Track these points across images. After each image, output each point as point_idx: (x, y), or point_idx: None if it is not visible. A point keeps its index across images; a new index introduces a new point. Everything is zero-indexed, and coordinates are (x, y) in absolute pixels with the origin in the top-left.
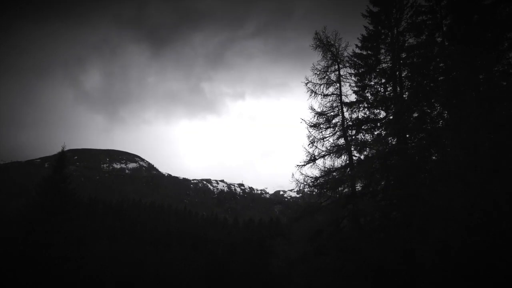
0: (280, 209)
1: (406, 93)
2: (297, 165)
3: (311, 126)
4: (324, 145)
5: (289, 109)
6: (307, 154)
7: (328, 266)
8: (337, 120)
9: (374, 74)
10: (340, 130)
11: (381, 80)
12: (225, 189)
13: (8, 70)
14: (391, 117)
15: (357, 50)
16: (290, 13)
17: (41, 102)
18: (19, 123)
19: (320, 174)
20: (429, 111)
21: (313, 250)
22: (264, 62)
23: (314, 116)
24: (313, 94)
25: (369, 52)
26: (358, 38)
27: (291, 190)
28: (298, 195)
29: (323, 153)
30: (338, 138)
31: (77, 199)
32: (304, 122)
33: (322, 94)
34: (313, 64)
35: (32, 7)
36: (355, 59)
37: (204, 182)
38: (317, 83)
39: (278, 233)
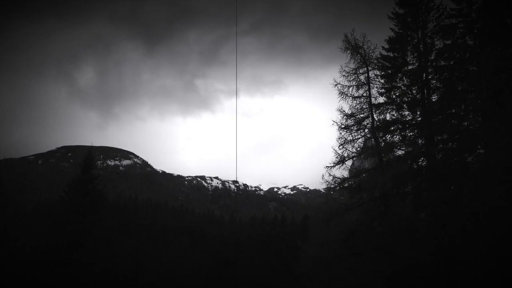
0: (274, 206)
1: (434, 95)
2: (326, 166)
3: (342, 128)
4: (354, 146)
5: (283, 106)
6: (336, 156)
7: (364, 266)
8: (366, 122)
9: (400, 75)
10: (370, 132)
11: (409, 82)
12: (220, 186)
13: (0, 67)
14: (419, 119)
15: (384, 52)
16: (284, 10)
17: (35, 99)
18: (13, 120)
19: (349, 175)
20: (462, 113)
21: (347, 251)
22: (259, 59)
23: (343, 118)
24: (342, 96)
25: (395, 54)
26: (385, 40)
27: (285, 187)
28: (292, 192)
29: (352, 154)
30: (367, 140)
31: (105, 199)
32: (335, 124)
33: (352, 96)
34: (340, 66)
35: (26, 4)
36: (382, 61)
37: (199, 179)
38: (346, 85)
39: (285, 232)
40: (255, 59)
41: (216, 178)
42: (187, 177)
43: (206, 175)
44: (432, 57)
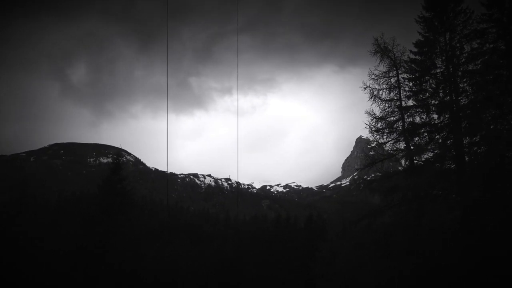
0: (268, 204)
1: (463, 98)
2: (357, 169)
3: (374, 131)
4: (385, 149)
5: (276, 105)
6: (366, 158)
7: (397, 268)
8: (397, 125)
9: (428, 77)
10: (401, 135)
11: (438, 85)
12: (212, 183)
13: None
14: (446, 122)
15: (412, 56)
16: (279, 8)
17: (27, 96)
18: (4, 117)
19: (377, 176)
20: (497, 117)
21: (381, 253)
22: (252, 57)
23: (373, 120)
24: (375, 99)
25: (423, 57)
26: (412, 43)
27: (277, 185)
28: (284, 190)
29: (383, 156)
30: (395, 142)
31: (134, 200)
32: (368, 127)
33: (384, 99)
34: (369, 69)
35: (19, 1)
36: (411, 65)
37: (191, 177)
38: (376, 88)
39: (290, 230)
40: (249, 57)
41: (209, 176)
42: (179, 174)
43: (199, 173)
44: (462, 60)
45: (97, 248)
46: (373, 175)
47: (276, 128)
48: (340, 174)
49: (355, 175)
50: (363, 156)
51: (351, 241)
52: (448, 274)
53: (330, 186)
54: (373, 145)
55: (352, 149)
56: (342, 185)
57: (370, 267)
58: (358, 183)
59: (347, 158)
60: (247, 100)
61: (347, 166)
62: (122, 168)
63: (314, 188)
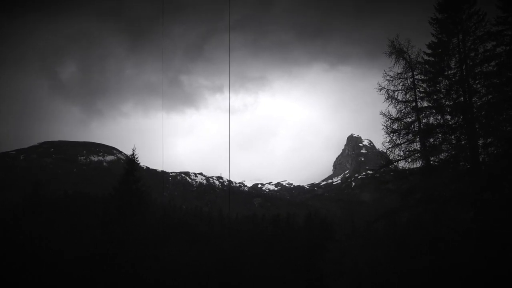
0: (259, 202)
1: (476, 99)
2: (372, 170)
3: (391, 132)
4: (401, 150)
5: (267, 103)
6: (382, 159)
7: (422, 269)
8: (413, 126)
9: (441, 78)
10: (417, 135)
11: (452, 86)
12: (204, 182)
13: None
14: (460, 122)
15: (425, 57)
16: (270, 6)
17: (16, 94)
18: None
19: (394, 177)
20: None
21: (397, 253)
22: (244, 55)
23: (388, 121)
24: (391, 101)
25: (437, 59)
26: (426, 44)
27: (269, 183)
28: (276, 188)
29: (399, 157)
30: (411, 143)
31: (149, 200)
32: (385, 128)
33: (400, 100)
34: (384, 71)
35: None
36: (426, 66)
37: (183, 175)
38: (392, 89)
39: (290, 230)
40: (240, 55)
41: (200, 174)
42: (171, 173)
43: (190, 171)
44: (476, 62)
45: (110, 249)
46: (364, 173)
47: (267, 126)
48: (331, 172)
49: (347, 173)
50: (378, 156)
51: (359, 240)
52: (456, 274)
53: (322, 184)
54: (389, 146)
55: (343, 147)
56: (334, 183)
57: (384, 266)
58: (349, 181)
59: (338, 156)
60: (238, 99)
61: (338, 164)
62: (136, 169)
63: (306, 186)
